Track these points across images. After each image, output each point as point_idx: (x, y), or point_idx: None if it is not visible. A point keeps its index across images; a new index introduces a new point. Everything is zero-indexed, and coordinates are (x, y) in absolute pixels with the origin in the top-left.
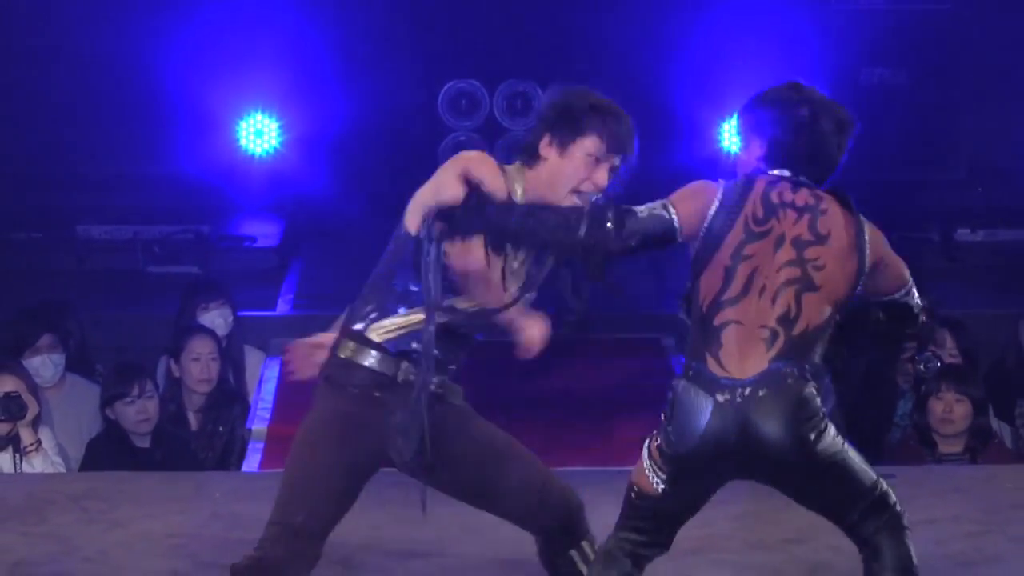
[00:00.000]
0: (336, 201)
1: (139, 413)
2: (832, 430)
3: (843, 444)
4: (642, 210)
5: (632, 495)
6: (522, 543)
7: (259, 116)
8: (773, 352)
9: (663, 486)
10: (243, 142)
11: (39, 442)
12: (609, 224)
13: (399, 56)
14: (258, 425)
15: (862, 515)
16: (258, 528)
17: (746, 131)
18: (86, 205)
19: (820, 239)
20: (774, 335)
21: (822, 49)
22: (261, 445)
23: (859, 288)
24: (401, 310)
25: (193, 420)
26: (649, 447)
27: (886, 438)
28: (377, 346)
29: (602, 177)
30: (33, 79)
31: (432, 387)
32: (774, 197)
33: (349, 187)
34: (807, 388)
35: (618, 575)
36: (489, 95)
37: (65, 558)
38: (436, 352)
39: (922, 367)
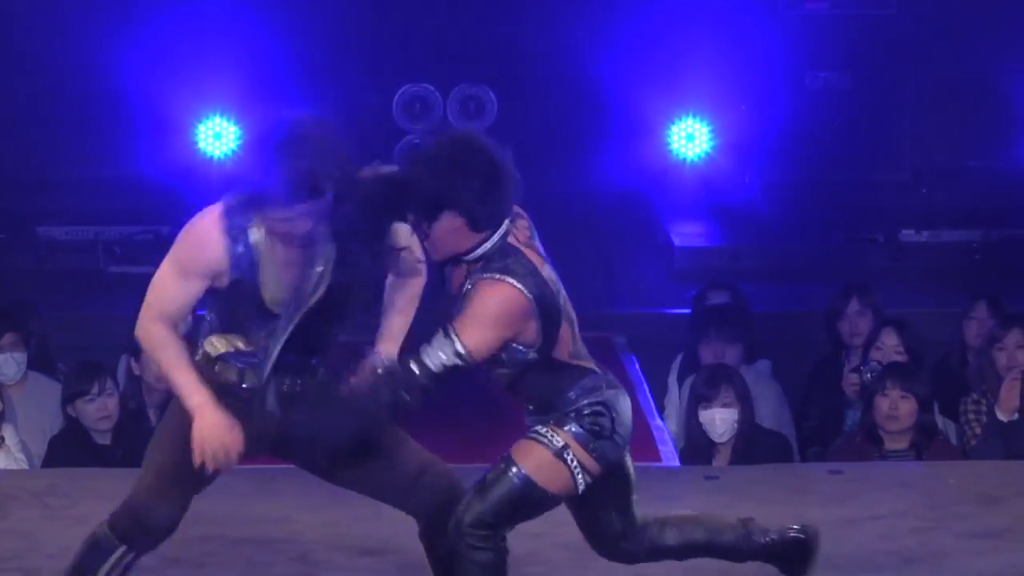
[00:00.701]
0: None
1: (100, 410)
2: None
3: None
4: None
5: (544, 499)
6: None
7: (218, 119)
8: None
9: (585, 487)
10: (202, 145)
11: (1, 439)
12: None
13: (354, 60)
14: None
15: None
16: (218, 523)
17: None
18: (48, 207)
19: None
20: None
21: (769, 53)
22: None
23: None
24: None
25: (153, 417)
26: (578, 457)
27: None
28: None
29: None
30: None
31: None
32: (527, 241)
33: None
34: None
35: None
36: (443, 98)
37: (28, 554)
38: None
39: (868, 376)
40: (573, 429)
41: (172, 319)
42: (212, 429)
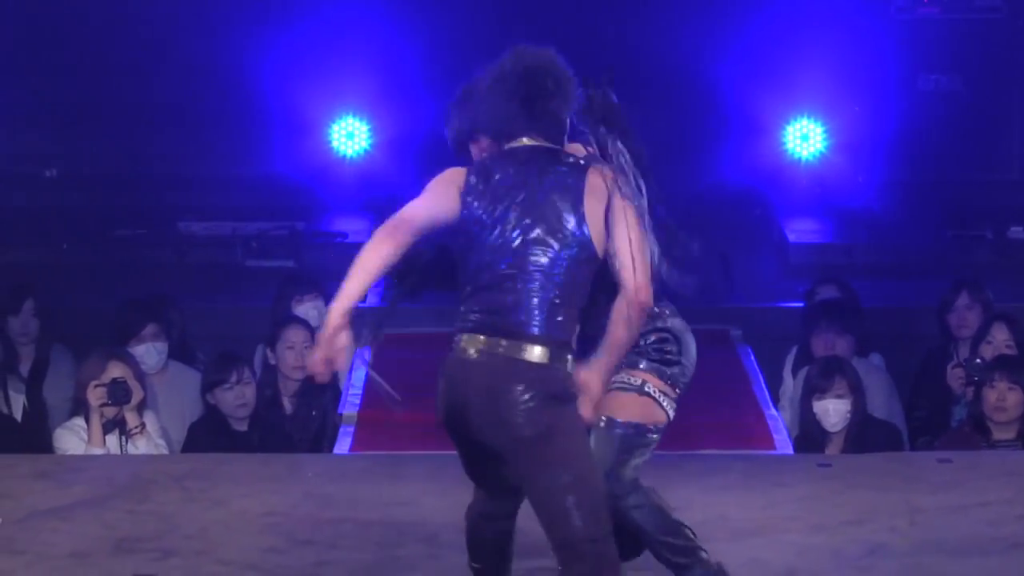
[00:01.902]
0: None
1: (237, 398)
2: None
3: None
4: None
5: (648, 434)
6: None
7: (350, 119)
8: None
9: (672, 412)
10: (335, 144)
11: (143, 425)
12: None
13: (481, 61)
14: (349, 410)
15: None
16: (350, 507)
17: None
18: (188, 203)
19: None
20: None
21: (882, 56)
22: (352, 429)
23: None
24: None
25: (288, 405)
26: (657, 387)
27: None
28: None
29: None
30: (140, 86)
31: None
32: None
33: None
34: None
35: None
36: None
37: (167, 535)
38: None
39: (973, 369)
40: (642, 365)
41: None
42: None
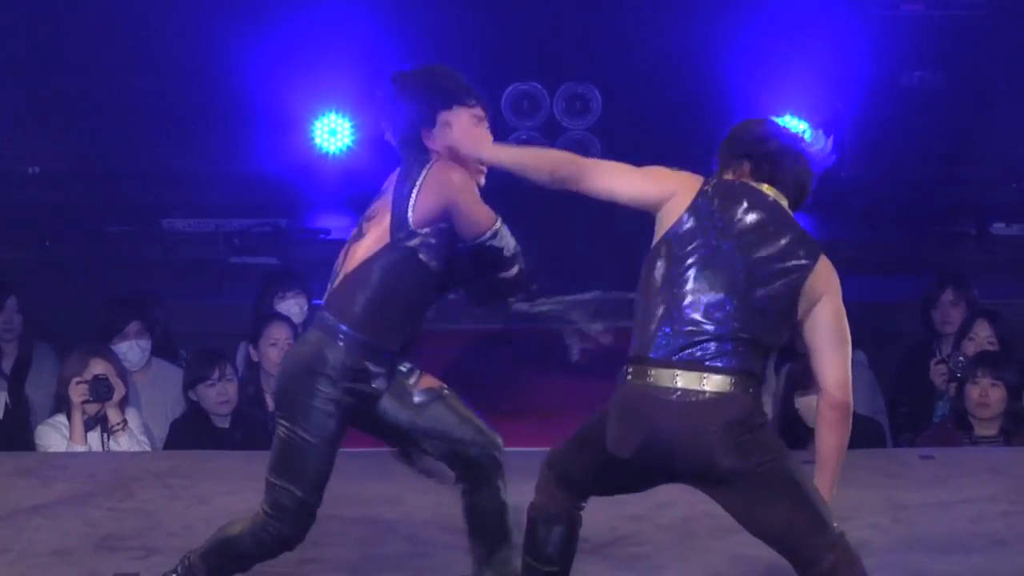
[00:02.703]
0: None
1: (220, 395)
2: None
3: None
4: None
5: None
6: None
7: (333, 116)
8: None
9: None
10: (318, 140)
11: (125, 422)
12: None
13: (464, 59)
14: None
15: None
16: (330, 505)
17: None
18: (171, 200)
19: (383, 193)
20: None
21: (864, 53)
22: None
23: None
24: None
25: (270, 402)
26: None
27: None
28: None
29: None
30: (124, 83)
31: None
32: None
33: None
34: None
35: None
36: (550, 96)
37: (150, 532)
38: None
39: (955, 366)
40: None
41: None
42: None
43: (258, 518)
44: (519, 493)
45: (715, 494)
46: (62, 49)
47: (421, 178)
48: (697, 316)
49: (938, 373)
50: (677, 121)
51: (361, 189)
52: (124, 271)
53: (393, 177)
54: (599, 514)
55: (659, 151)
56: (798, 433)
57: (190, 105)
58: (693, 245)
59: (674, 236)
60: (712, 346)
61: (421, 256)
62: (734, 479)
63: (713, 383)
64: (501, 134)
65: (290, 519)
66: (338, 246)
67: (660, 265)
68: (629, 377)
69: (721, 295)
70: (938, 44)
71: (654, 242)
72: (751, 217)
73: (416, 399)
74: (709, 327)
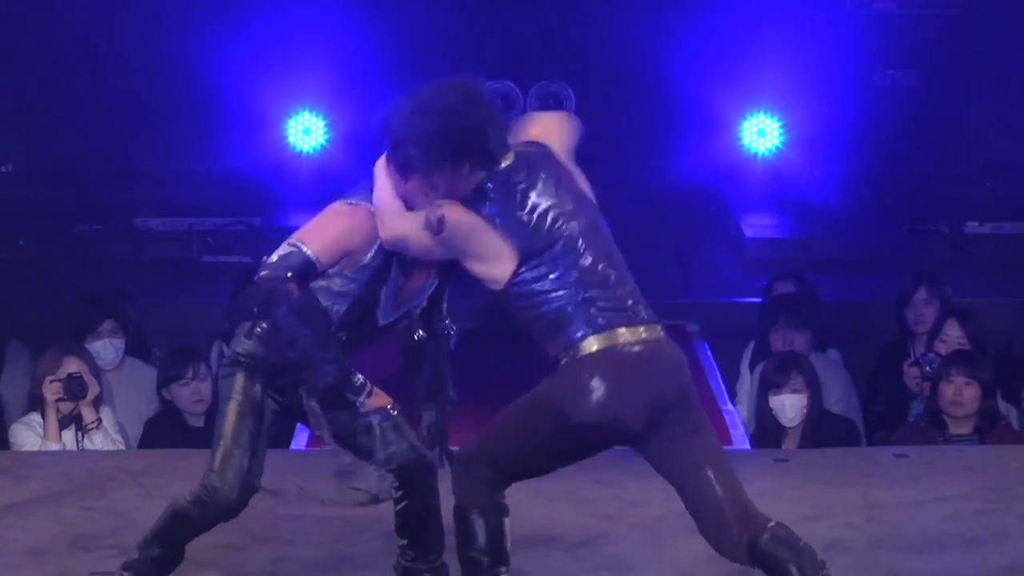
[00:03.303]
0: None
1: (193, 394)
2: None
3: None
4: None
5: None
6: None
7: (307, 115)
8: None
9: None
10: (292, 139)
11: (100, 420)
12: None
13: (438, 58)
14: None
15: None
16: (308, 503)
17: None
18: (144, 199)
19: None
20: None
21: (839, 51)
22: None
23: None
24: None
25: None
26: None
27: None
28: None
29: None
30: (97, 82)
31: None
32: None
33: None
34: None
35: None
36: (523, 94)
37: (124, 531)
38: None
39: (927, 368)
40: None
41: None
42: None
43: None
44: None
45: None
46: (34, 49)
47: None
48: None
49: (911, 376)
50: (649, 118)
51: (335, 188)
52: (97, 270)
53: None
54: (572, 514)
55: (631, 147)
56: (771, 430)
57: (163, 104)
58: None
59: None
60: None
61: None
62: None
63: (657, 331)
64: None
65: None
66: None
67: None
68: (595, 348)
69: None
70: (911, 43)
71: None
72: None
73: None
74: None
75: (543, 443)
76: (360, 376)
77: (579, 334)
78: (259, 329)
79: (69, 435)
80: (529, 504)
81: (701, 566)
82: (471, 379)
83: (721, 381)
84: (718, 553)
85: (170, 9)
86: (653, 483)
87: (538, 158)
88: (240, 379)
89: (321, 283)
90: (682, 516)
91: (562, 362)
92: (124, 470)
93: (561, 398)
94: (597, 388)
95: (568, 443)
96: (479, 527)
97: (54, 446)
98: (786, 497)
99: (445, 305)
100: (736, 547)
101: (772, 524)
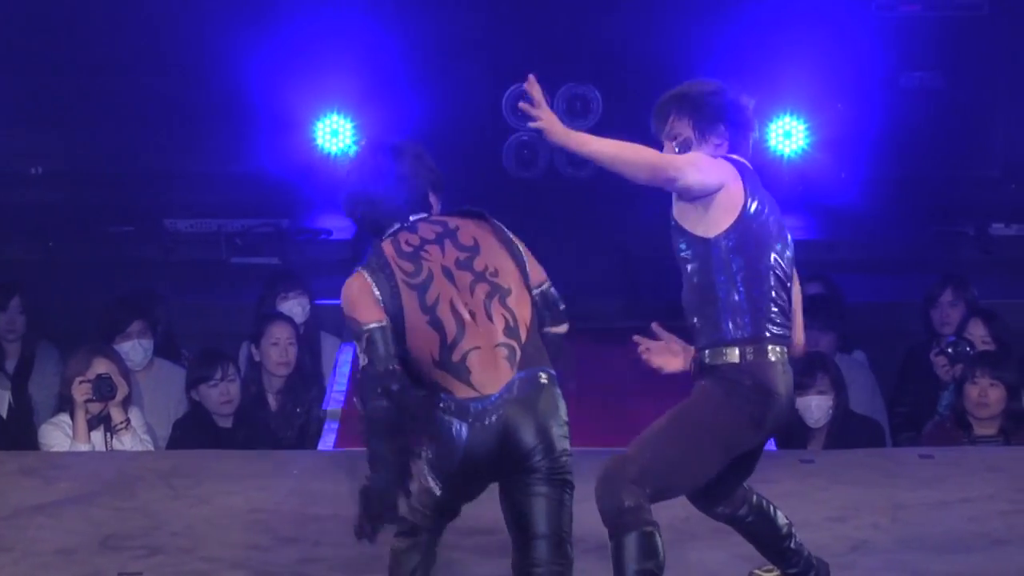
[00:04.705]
0: None
1: (222, 395)
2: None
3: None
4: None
5: (415, 496)
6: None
7: (335, 117)
8: (515, 364)
9: (440, 490)
10: (320, 141)
11: (128, 421)
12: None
13: (466, 61)
14: (333, 406)
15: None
16: (333, 504)
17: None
18: (173, 200)
19: (473, 250)
20: (511, 350)
21: (865, 53)
22: (336, 425)
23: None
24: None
25: (273, 402)
26: (425, 457)
27: (926, 424)
28: None
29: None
30: (126, 84)
31: None
32: (405, 247)
33: None
34: (556, 389)
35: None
36: (550, 97)
37: (153, 532)
38: None
39: (950, 351)
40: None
41: None
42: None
43: None
44: None
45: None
46: (65, 49)
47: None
48: (782, 295)
49: (939, 364)
50: None
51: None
52: (126, 271)
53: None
54: (598, 516)
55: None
56: (797, 432)
57: (193, 106)
58: (767, 227)
59: (749, 220)
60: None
61: None
62: None
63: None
64: (501, 135)
65: None
66: (339, 246)
67: (750, 248)
68: (770, 356)
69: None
70: (937, 45)
71: (717, 228)
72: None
73: None
74: (785, 306)
75: (713, 447)
76: None
77: (764, 332)
78: None
79: (98, 436)
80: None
81: (727, 567)
82: None
83: None
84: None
85: (199, 12)
86: None
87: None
88: None
89: None
90: (707, 518)
91: (748, 357)
92: (153, 471)
93: (748, 398)
94: (779, 396)
95: (739, 444)
96: (645, 548)
97: (83, 447)
98: (812, 498)
99: None
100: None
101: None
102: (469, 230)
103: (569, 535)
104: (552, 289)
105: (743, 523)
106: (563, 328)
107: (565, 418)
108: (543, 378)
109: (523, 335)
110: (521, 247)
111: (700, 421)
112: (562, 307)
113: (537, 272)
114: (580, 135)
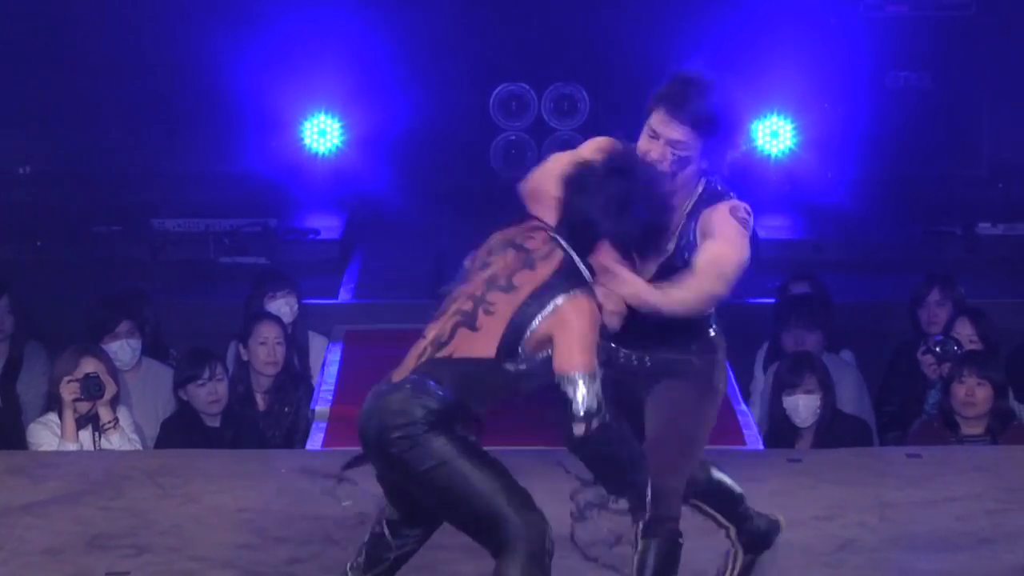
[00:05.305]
0: (394, 196)
1: (210, 394)
2: (437, 444)
3: (452, 458)
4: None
5: None
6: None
7: (323, 117)
8: (419, 364)
9: None
10: (307, 141)
11: (117, 420)
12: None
13: (453, 61)
14: (321, 406)
15: (476, 536)
16: (321, 503)
17: None
18: (162, 200)
19: (507, 288)
20: (425, 351)
21: (852, 53)
22: (324, 425)
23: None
24: None
25: (260, 401)
26: None
27: (914, 423)
28: None
29: (649, 147)
30: (114, 84)
31: None
32: (513, 236)
33: (406, 183)
34: (411, 399)
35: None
36: (538, 97)
37: (141, 531)
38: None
39: (938, 349)
40: None
41: None
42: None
43: None
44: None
45: None
46: (52, 50)
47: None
48: None
49: (927, 363)
50: None
51: (350, 189)
52: (115, 271)
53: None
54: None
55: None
56: (785, 431)
57: (180, 106)
58: None
59: None
60: None
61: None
62: None
63: None
64: (489, 133)
65: None
66: (327, 246)
67: None
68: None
69: None
70: (924, 45)
71: None
72: None
73: None
74: None
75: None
76: None
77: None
78: None
79: (86, 435)
80: (547, 503)
81: (712, 565)
82: None
83: (735, 381)
84: None
85: (187, 12)
86: None
87: None
88: None
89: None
90: (693, 515)
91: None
92: (141, 470)
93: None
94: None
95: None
96: (677, 555)
97: (71, 446)
98: (800, 497)
99: None
100: None
101: None
102: (535, 281)
103: None
104: None
105: None
106: None
107: (406, 421)
108: (410, 383)
109: (443, 352)
110: (537, 330)
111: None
112: None
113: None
114: (661, 294)
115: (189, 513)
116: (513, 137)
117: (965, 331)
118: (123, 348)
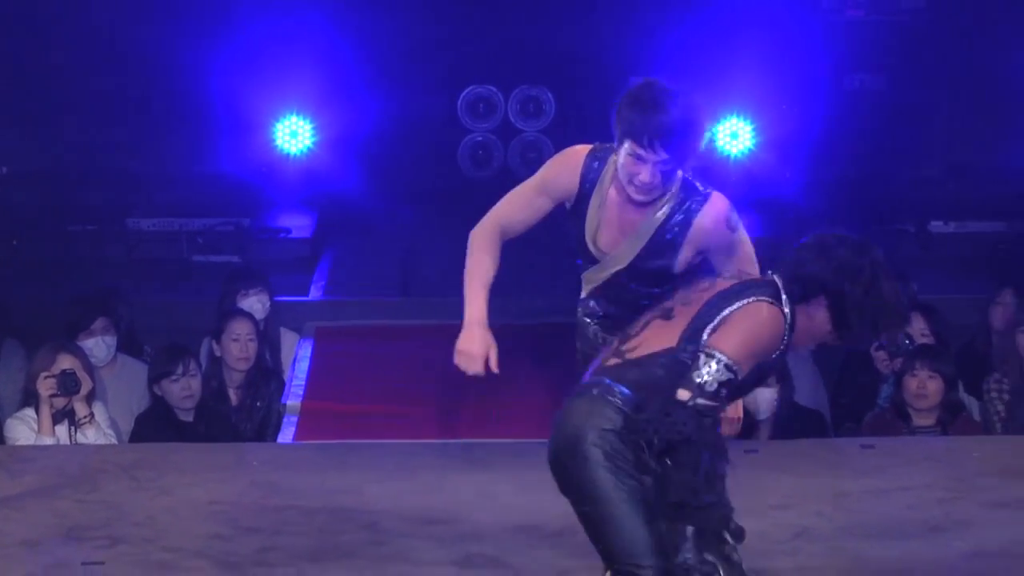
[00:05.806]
0: (364, 196)
1: (183, 390)
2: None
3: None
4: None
5: None
6: (535, 510)
7: (294, 118)
8: None
9: None
10: (279, 142)
11: (92, 415)
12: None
13: (422, 64)
14: (292, 400)
15: None
16: (292, 495)
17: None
18: (136, 200)
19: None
20: None
21: (810, 56)
22: (295, 419)
23: None
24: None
25: (233, 396)
26: None
27: (867, 415)
28: None
29: (638, 170)
30: (89, 85)
31: None
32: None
33: (376, 183)
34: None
35: None
36: (504, 99)
37: (116, 523)
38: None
39: (891, 345)
40: None
41: (506, 229)
42: (465, 341)
43: None
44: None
45: None
46: (26, 51)
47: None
48: None
49: (880, 359)
50: None
51: (321, 189)
52: (90, 270)
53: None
54: (553, 503)
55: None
56: (744, 423)
57: (154, 107)
58: None
59: None
60: None
61: None
62: None
63: None
64: (457, 135)
65: None
66: (298, 244)
67: None
68: None
69: None
70: (880, 47)
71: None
72: None
73: None
74: None
75: None
76: None
77: None
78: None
79: (63, 430)
80: (512, 494)
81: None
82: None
83: None
84: None
85: (160, 13)
86: None
87: None
88: None
89: None
90: None
91: None
92: (116, 463)
93: None
94: None
95: None
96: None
97: (48, 440)
98: (757, 487)
99: None
100: None
101: None
102: None
103: None
104: None
105: None
106: None
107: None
108: None
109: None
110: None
111: None
112: None
113: None
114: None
115: (163, 505)
116: (480, 138)
117: (917, 326)
118: (98, 345)
